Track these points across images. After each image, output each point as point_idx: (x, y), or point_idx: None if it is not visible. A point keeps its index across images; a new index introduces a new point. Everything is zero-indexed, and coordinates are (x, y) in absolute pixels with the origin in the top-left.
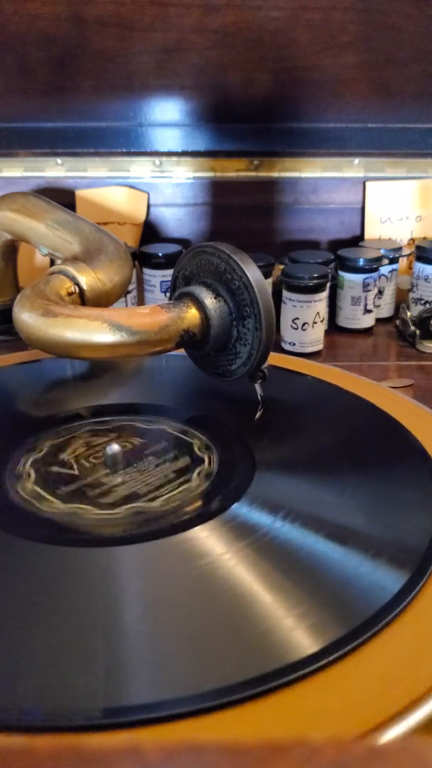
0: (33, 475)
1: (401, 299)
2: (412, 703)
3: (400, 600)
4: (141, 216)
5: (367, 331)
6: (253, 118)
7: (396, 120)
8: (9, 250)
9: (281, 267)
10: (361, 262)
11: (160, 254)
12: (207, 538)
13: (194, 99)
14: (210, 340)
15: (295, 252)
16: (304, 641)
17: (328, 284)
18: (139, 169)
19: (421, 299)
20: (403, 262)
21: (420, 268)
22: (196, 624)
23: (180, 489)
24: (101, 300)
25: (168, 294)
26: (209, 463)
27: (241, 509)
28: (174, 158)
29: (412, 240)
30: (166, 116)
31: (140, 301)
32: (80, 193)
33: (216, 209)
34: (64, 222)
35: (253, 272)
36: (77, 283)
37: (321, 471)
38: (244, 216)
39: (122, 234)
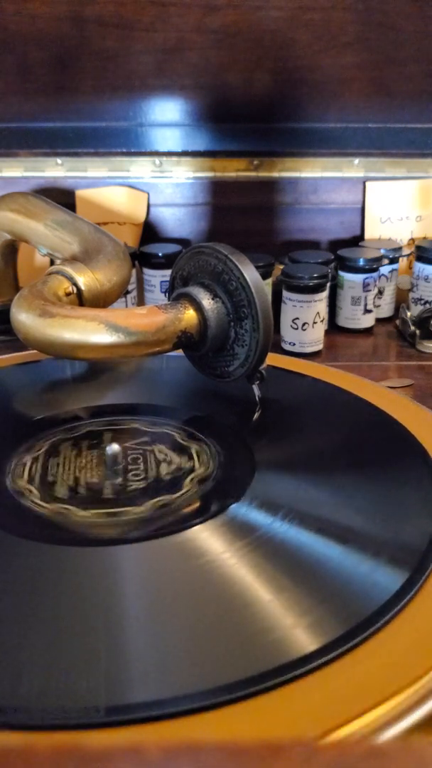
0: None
1: (401, 299)
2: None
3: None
4: (141, 216)
5: (367, 331)
6: (253, 118)
7: (396, 120)
8: (9, 250)
9: (281, 267)
10: (361, 262)
11: (160, 254)
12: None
13: (194, 99)
14: (207, 341)
15: (295, 252)
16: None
17: (328, 284)
18: (139, 169)
19: (421, 299)
20: (403, 262)
21: (420, 268)
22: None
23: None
24: (99, 300)
25: (167, 294)
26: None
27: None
28: (174, 158)
29: (412, 240)
30: (166, 116)
31: (140, 301)
32: (80, 193)
33: (216, 209)
34: (63, 222)
35: (250, 273)
36: (75, 284)
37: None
38: (244, 216)
39: (122, 234)
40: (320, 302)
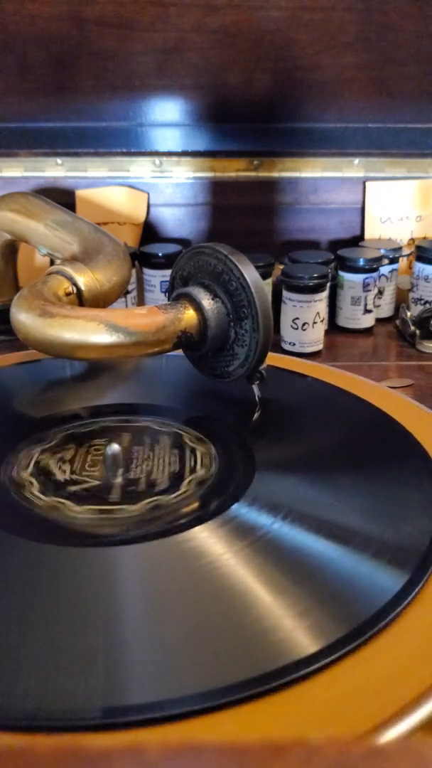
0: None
1: (401, 299)
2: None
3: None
4: (141, 216)
5: (367, 331)
6: (253, 118)
7: (396, 120)
8: (9, 250)
9: (281, 267)
10: (361, 262)
11: (160, 254)
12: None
13: (194, 99)
14: (207, 342)
15: (295, 252)
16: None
17: (328, 284)
18: (139, 169)
19: (421, 299)
20: (403, 262)
21: (420, 268)
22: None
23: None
24: (99, 300)
25: (167, 294)
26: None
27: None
28: (174, 158)
29: (412, 240)
30: (166, 116)
31: (140, 301)
32: (80, 193)
33: (216, 209)
34: (63, 222)
35: (250, 273)
36: (75, 284)
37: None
38: (244, 216)
39: (122, 234)
40: (320, 302)
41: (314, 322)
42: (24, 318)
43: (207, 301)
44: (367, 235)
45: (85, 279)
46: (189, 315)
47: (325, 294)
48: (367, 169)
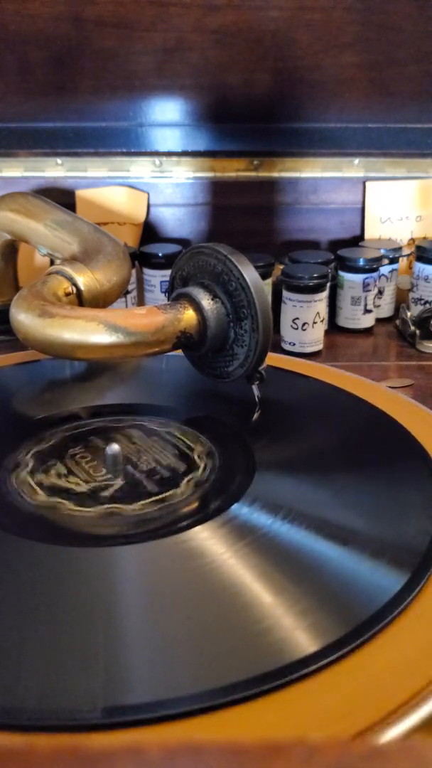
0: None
1: (401, 299)
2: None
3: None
4: (141, 216)
5: (367, 331)
6: (253, 118)
7: (396, 120)
8: (9, 250)
9: (281, 267)
10: (361, 262)
11: (160, 254)
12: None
13: (194, 99)
14: (207, 342)
15: (295, 252)
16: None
17: (328, 284)
18: (139, 169)
19: (421, 299)
20: (403, 262)
21: (420, 268)
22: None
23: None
24: (99, 300)
25: (167, 294)
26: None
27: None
28: (174, 158)
29: (412, 240)
30: (166, 116)
31: (140, 301)
32: (80, 193)
33: (216, 209)
34: (63, 222)
35: (250, 273)
36: (75, 284)
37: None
38: (244, 216)
39: (122, 234)
40: (320, 302)
41: (314, 322)
42: (24, 318)
43: (207, 302)
44: (367, 235)
45: (84, 279)
46: (188, 315)
47: (325, 294)
48: (367, 169)
